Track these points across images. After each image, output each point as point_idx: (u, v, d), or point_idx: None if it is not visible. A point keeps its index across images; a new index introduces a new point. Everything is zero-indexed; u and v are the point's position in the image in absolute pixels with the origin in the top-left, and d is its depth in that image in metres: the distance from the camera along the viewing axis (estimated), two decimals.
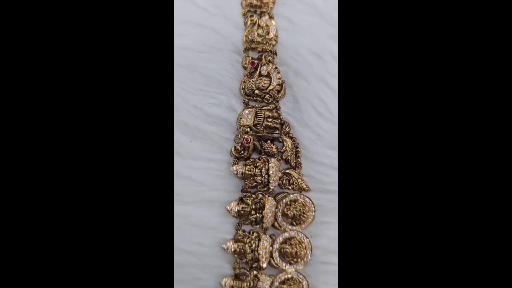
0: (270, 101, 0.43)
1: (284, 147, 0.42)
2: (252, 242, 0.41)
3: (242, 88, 0.43)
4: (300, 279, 0.41)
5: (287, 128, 0.43)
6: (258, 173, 0.41)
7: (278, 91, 0.43)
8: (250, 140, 0.41)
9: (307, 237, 0.42)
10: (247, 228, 0.42)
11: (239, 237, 0.41)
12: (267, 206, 0.41)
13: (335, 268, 0.41)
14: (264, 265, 0.41)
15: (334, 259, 0.41)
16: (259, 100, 0.43)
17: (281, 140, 0.42)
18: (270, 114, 0.42)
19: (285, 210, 0.42)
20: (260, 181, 0.41)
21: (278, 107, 0.43)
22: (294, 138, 0.43)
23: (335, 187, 0.42)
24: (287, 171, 0.42)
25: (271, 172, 0.41)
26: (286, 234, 0.42)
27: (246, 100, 0.43)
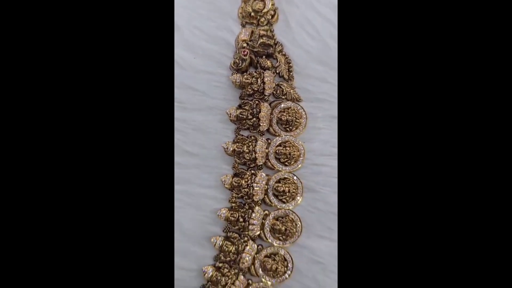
0: (265, 23, 0.48)
1: (278, 63, 0.47)
2: (250, 143, 0.45)
3: (240, 12, 0.48)
4: (294, 180, 0.45)
5: (280, 47, 0.47)
6: (255, 82, 0.46)
7: (272, 16, 0.48)
8: (247, 53, 0.46)
9: (300, 141, 0.46)
10: (245, 133, 0.46)
11: (238, 140, 0.45)
12: (263, 110, 0.45)
13: (327, 169, 0.45)
14: (260, 163, 0.45)
15: (326, 161, 0.45)
16: (254, 24, 0.48)
17: (275, 57, 0.47)
18: (264, 33, 0.47)
19: (279, 116, 0.46)
20: (256, 89, 0.46)
21: (272, 29, 0.48)
22: (286, 56, 0.47)
23: (324, 97, 0.46)
24: (280, 83, 0.47)
25: (266, 80, 0.45)
26: (281, 138, 0.46)
27: (244, 22, 0.48)
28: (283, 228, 0.44)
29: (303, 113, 0.46)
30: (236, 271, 0.44)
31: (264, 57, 0.47)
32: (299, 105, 0.46)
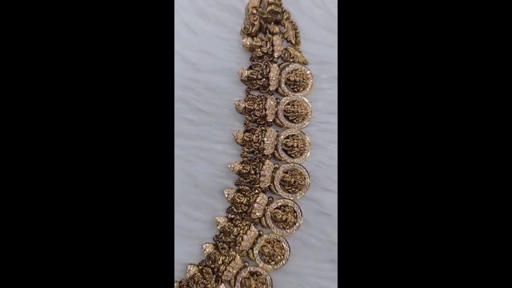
0: None
1: (285, 29, 0.50)
2: (260, 102, 0.47)
3: None
4: (302, 138, 0.47)
5: (287, 15, 0.50)
6: (264, 45, 0.48)
7: None
8: (257, 18, 0.49)
9: (307, 100, 0.48)
10: (255, 93, 0.49)
11: (249, 99, 0.48)
12: (272, 71, 0.48)
13: (333, 127, 0.47)
14: (270, 120, 0.47)
15: (332, 119, 0.48)
16: None
17: (282, 23, 0.50)
18: (273, 1, 0.50)
19: (288, 77, 0.48)
20: (265, 52, 0.48)
21: None
22: (293, 22, 0.50)
23: (329, 59, 0.49)
24: (288, 47, 0.49)
25: (275, 43, 0.48)
26: (289, 98, 0.48)
27: None
28: (292, 180, 0.46)
29: (309, 74, 0.49)
30: (248, 222, 0.46)
31: (272, 23, 0.50)
32: (305, 67, 0.49)
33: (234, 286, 0.45)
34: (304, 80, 0.48)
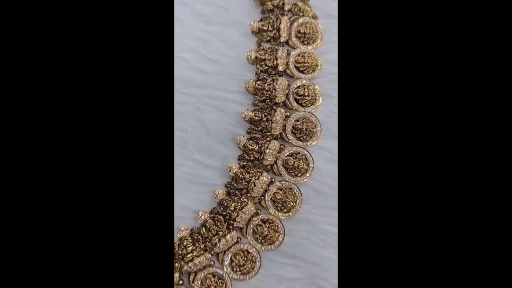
0: None
1: None
2: (271, 52, 0.48)
3: None
4: (313, 88, 0.48)
5: None
6: None
7: None
8: None
9: (316, 53, 0.49)
10: (266, 45, 0.49)
11: (260, 49, 0.48)
12: (283, 22, 0.48)
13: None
14: (281, 68, 0.47)
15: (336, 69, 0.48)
16: None
17: None
18: None
19: (298, 29, 0.49)
20: (276, 5, 0.49)
21: None
22: None
23: (336, 13, 0.50)
24: (298, 2, 0.50)
25: None
26: (299, 50, 0.49)
27: None
28: (304, 128, 0.46)
29: (319, 27, 0.49)
30: (260, 169, 0.46)
31: None
32: (316, 21, 0.50)
33: (246, 233, 0.45)
34: (315, 33, 0.49)
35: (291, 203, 0.45)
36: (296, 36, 0.49)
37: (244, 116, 0.46)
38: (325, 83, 0.48)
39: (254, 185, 0.45)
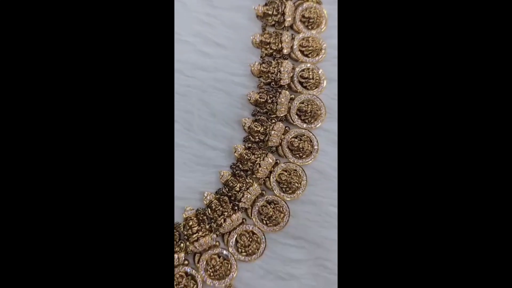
0: None
1: None
2: (276, 37, 0.48)
3: None
4: (317, 72, 0.48)
5: None
6: None
7: None
8: None
9: (321, 37, 0.49)
10: (271, 29, 0.50)
11: (265, 33, 0.49)
12: (287, 6, 0.49)
13: None
14: (286, 51, 0.48)
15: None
16: None
17: None
18: None
19: (302, 14, 0.49)
20: None
21: None
22: None
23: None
24: None
25: None
26: (303, 34, 0.49)
27: None
28: (309, 110, 0.46)
29: (323, 12, 0.50)
30: (265, 151, 0.46)
31: None
32: (319, 6, 0.50)
33: (251, 214, 0.45)
34: (319, 18, 0.49)
35: (296, 184, 0.45)
36: (300, 20, 0.50)
37: (249, 98, 0.46)
38: (329, 67, 0.49)
39: (259, 166, 0.45)
